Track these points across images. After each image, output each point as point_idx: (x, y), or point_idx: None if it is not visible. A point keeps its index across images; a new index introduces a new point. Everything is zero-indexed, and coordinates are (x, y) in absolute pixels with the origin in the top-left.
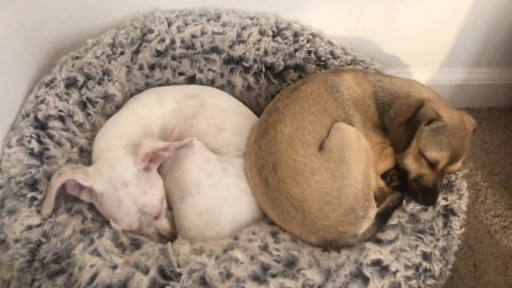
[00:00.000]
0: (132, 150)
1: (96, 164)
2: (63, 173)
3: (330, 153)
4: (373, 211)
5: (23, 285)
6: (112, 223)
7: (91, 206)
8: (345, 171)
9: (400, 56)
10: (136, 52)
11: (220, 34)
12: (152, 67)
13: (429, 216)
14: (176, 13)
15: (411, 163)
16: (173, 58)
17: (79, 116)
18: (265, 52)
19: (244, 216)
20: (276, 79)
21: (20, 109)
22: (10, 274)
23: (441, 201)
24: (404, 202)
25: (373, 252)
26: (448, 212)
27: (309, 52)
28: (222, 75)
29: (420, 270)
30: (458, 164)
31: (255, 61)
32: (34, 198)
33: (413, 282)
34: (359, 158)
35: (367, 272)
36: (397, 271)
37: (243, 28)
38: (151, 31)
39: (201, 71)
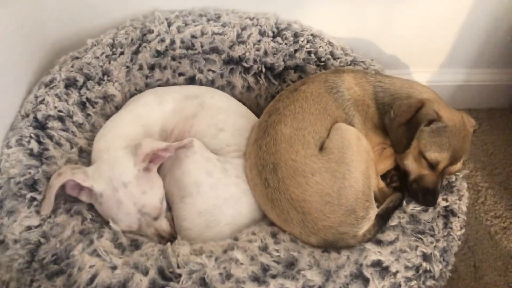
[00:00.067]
0: (132, 150)
1: (96, 164)
2: (62, 174)
3: (330, 154)
4: (374, 211)
5: (22, 286)
6: (111, 224)
7: (91, 207)
8: (345, 171)
9: (400, 56)
10: (136, 52)
11: (220, 34)
12: (152, 68)
13: (429, 217)
14: (176, 14)
15: (411, 164)
16: (173, 59)
17: (79, 117)
18: (265, 53)
19: (244, 217)
20: (276, 79)
21: (20, 109)
22: (9, 275)
23: (441, 202)
24: (404, 202)
25: (373, 252)
26: (448, 213)
27: (309, 53)
28: (222, 75)
29: (420, 271)
30: (459, 165)
31: (255, 61)
32: (33, 199)
33: (413, 283)
34: (359, 158)
35: (367, 273)
36: (397, 272)
37: (243, 29)
38: (151, 31)
39: (201, 71)
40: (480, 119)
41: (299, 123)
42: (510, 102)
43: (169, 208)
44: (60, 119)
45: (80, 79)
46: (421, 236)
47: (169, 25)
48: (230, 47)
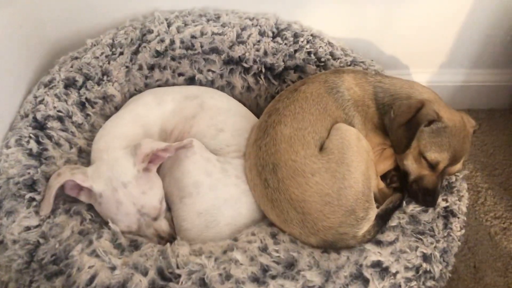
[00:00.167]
0: (131, 150)
1: (95, 164)
2: (62, 174)
3: (330, 154)
4: (373, 212)
5: (21, 286)
6: (111, 224)
7: (90, 207)
8: (345, 172)
9: (400, 57)
10: (136, 52)
11: (219, 34)
12: (151, 68)
13: (429, 218)
14: (175, 14)
15: (411, 164)
16: (173, 59)
17: (78, 117)
18: (265, 53)
19: (243, 217)
20: (276, 80)
21: (19, 109)
22: (8, 275)
23: (441, 203)
24: (404, 203)
25: (373, 253)
26: (448, 214)
27: (309, 53)
28: (221, 75)
29: (420, 272)
30: (458, 166)
31: (254, 61)
32: (32, 199)
33: (413, 283)
34: (359, 159)
35: (367, 273)
36: (397, 272)
37: (243, 29)
38: (150, 31)
39: (200, 71)
40: (480, 119)
41: (299, 123)
42: (510, 103)
43: (169, 208)
44: (60, 119)
45: (80, 79)
46: (421, 237)
47: (169, 25)
48: (230, 47)
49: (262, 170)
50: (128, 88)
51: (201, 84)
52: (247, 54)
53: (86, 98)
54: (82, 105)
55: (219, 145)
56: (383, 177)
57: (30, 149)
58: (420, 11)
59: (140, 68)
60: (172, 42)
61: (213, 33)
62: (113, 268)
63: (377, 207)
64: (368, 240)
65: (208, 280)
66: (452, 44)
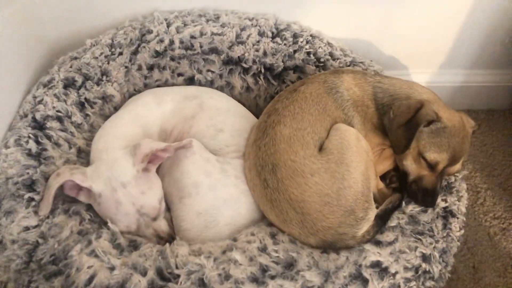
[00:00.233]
0: (131, 150)
1: (95, 164)
2: (61, 174)
3: (329, 154)
4: (373, 212)
5: (20, 287)
6: (110, 224)
7: (89, 207)
8: (344, 172)
9: (400, 57)
10: (135, 52)
11: (219, 35)
12: (150, 68)
13: (428, 218)
14: (175, 14)
15: (410, 165)
16: (172, 59)
17: (77, 117)
18: (264, 53)
19: (243, 217)
20: (275, 80)
21: (18, 109)
22: (7, 275)
23: (440, 203)
24: (404, 203)
25: (373, 253)
26: (448, 214)
27: (308, 53)
28: (221, 76)
29: (420, 272)
30: (458, 166)
31: (254, 62)
32: (31, 199)
33: (413, 283)
34: (358, 159)
35: (366, 273)
36: (396, 272)
37: (242, 29)
38: (150, 31)
39: (200, 72)
40: (479, 120)
41: (298, 123)
42: (509, 103)
43: (168, 208)
44: (59, 119)
45: (79, 79)
46: (420, 237)
47: (168, 25)
48: (229, 48)
49: (262, 170)
50: (127, 88)
51: (200, 84)
52: (246, 54)
53: (85, 98)
54: (81, 105)
55: (218, 145)
56: (383, 177)
57: (29, 149)
58: (420, 11)
59: (140, 68)
60: (172, 42)
61: (212, 33)
62: (112, 268)
63: (377, 208)
64: (367, 240)
65: (207, 280)
66: (451, 44)
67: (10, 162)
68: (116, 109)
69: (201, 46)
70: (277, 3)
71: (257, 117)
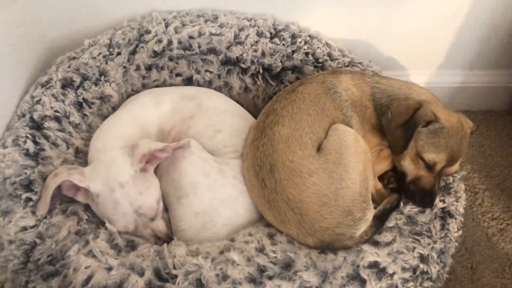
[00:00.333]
0: (129, 151)
1: (93, 164)
2: (58, 174)
3: (328, 155)
4: (371, 213)
5: (17, 287)
6: (107, 224)
7: (87, 207)
8: (342, 172)
9: (398, 58)
10: (133, 52)
11: (217, 35)
12: (149, 68)
13: (426, 218)
14: (173, 14)
15: (408, 165)
16: (170, 59)
17: (75, 117)
18: (263, 54)
19: (241, 218)
20: (274, 80)
21: (16, 109)
22: (4, 275)
23: (438, 203)
24: (402, 204)
25: (370, 254)
26: (446, 215)
27: (306, 54)
28: (219, 76)
29: (417, 273)
30: (456, 166)
31: (252, 62)
32: (29, 199)
33: (411, 284)
34: (357, 159)
35: (364, 274)
36: (394, 273)
37: (241, 30)
38: (148, 31)
39: (198, 72)
40: (477, 120)
41: (297, 123)
42: (507, 104)
43: (166, 209)
44: (57, 119)
45: (77, 79)
46: (418, 238)
47: (167, 25)
48: (228, 48)
49: (260, 171)
50: (125, 88)
51: (198, 84)
52: (244, 54)
53: (83, 98)
54: (79, 105)
55: (216, 146)
56: (381, 177)
57: (27, 149)
58: (418, 12)
59: (138, 68)
60: (170, 42)
61: (211, 34)
62: (109, 269)
63: (375, 208)
64: (365, 240)
65: (205, 281)
66: (450, 45)
67: (8, 162)
68: (114, 109)
69: (199, 47)
70: (276, 3)
71: (255, 118)
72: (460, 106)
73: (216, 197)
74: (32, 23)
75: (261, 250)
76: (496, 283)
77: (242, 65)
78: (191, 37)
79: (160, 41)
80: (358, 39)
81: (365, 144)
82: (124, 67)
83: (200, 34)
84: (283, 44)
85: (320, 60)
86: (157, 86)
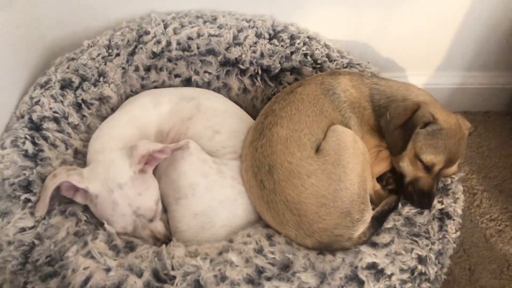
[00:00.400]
0: (127, 152)
1: (91, 165)
2: (57, 175)
3: (326, 156)
4: (369, 214)
5: None
6: (106, 225)
7: (85, 208)
8: (341, 173)
9: (397, 59)
10: (132, 53)
11: (216, 36)
12: (148, 69)
13: (424, 220)
14: (172, 15)
15: (407, 166)
16: (169, 60)
17: (74, 118)
18: (262, 55)
19: (239, 219)
20: (272, 81)
21: (15, 110)
22: (2, 276)
23: (436, 205)
24: (400, 205)
25: (369, 255)
26: (444, 216)
27: (305, 55)
28: (218, 77)
29: (416, 274)
30: (454, 168)
31: (251, 63)
32: (27, 200)
33: (409, 285)
34: (355, 161)
35: (362, 275)
36: (392, 274)
37: (240, 31)
38: (147, 32)
39: (197, 73)
40: (475, 122)
41: (295, 125)
42: (506, 105)
43: (165, 210)
44: (56, 120)
45: (76, 80)
46: (416, 239)
47: (165, 26)
48: (227, 49)
49: (258, 172)
50: (124, 89)
51: (197, 85)
52: (243, 55)
53: (82, 99)
54: (78, 106)
55: (215, 147)
56: (379, 179)
57: (26, 150)
58: (417, 13)
59: (137, 69)
60: (169, 43)
61: (209, 35)
62: (108, 270)
63: (373, 209)
64: (363, 242)
65: (203, 282)
66: (448, 46)
67: (7, 163)
68: (113, 110)
69: (198, 48)
70: (274, 5)
71: (254, 119)
72: (458, 107)
73: (215, 198)
74: (31, 24)
75: (259, 251)
76: (494, 284)
77: (241, 66)
78: (190, 38)
79: (159, 42)
80: (357, 40)
81: (364, 145)
82: (123, 68)
83: (199, 35)
84: (282, 45)
85: (319, 61)
86: (156, 87)
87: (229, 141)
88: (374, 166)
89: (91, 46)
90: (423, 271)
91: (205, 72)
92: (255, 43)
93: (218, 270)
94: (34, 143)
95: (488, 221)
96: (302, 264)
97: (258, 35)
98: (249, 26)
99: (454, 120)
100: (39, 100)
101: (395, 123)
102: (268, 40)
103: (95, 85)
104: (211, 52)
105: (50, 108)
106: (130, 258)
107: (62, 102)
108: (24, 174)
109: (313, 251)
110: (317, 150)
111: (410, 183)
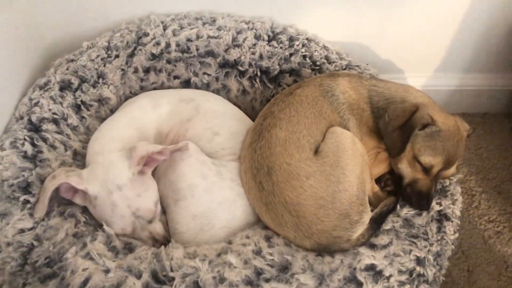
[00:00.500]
0: (127, 153)
1: (90, 167)
2: (56, 176)
3: (325, 157)
4: (368, 215)
5: None
6: (105, 227)
7: (84, 210)
8: (340, 175)
9: (395, 61)
10: (131, 55)
11: (215, 38)
12: (147, 71)
13: (423, 221)
14: (171, 17)
15: (405, 168)
16: (168, 62)
17: (73, 119)
18: (260, 56)
19: (238, 220)
20: (271, 83)
21: (14, 111)
22: (2, 278)
23: (435, 206)
24: (398, 206)
25: (367, 256)
26: (442, 217)
27: (304, 57)
28: (217, 79)
29: (414, 275)
30: (452, 169)
31: (250, 65)
32: (26, 201)
33: (407, 287)
34: (354, 162)
35: (360, 277)
36: (390, 276)
37: (239, 32)
38: (146, 34)
39: (196, 74)
40: (474, 123)
41: (294, 126)
42: (504, 107)
43: (164, 211)
44: (55, 121)
45: (75, 81)
46: (414, 240)
47: (165, 28)
48: (226, 51)
49: (257, 173)
50: (123, 90)
51: (196, 87)
52: (242, 57)
53: (81, 101)
54: (77, 108)
55: (214, 148)
56: (378, 180)
57: (25, 152)
58: (416, 15)
59: (136, 71)
60: (168, 45)
61: (208, 36)
62: (107, 271)
63: (371, 211)
64: (362, 243)
65: (202, 283)
66: (447, 48)
67: (6, 165)
68: (112, 111)
69: (197, 49)
70: (273, 6)
71: (253, 120)
72: (457, 109)
73: (214, 199)
74: (30, 25)
75: (258, 252)
76: (492, 285)
77: (240, 68)
78: (189, 40)
79: (158, 43)
80: (356, 42)
81: (362, 147)
82: (122, 69)
83: (198, 37)
84: (281, 47)
85: (318, 63)
86: (155, 89)
87: (228, 143)
88: (372, 168)
89: (90, 48)
90: (422, 272)
91: (204, 73)
92: (254, 44)
93: (217, 272)
94: (33, 145)
95: (487, 223)
96: (301, 265)
97: (257, 37)
98: (248, 27)
99: (452, 121)
100: (39, 102)
101: (393, 124)
102: (267, 42)
103: (94, 87)
104: (210, 53)
105: (49, 110)
106: (129, 259)
107: (61, 103)
108: (23, 175)
109: (311, 252)
110: (316, 152)
111: (409, 185)
